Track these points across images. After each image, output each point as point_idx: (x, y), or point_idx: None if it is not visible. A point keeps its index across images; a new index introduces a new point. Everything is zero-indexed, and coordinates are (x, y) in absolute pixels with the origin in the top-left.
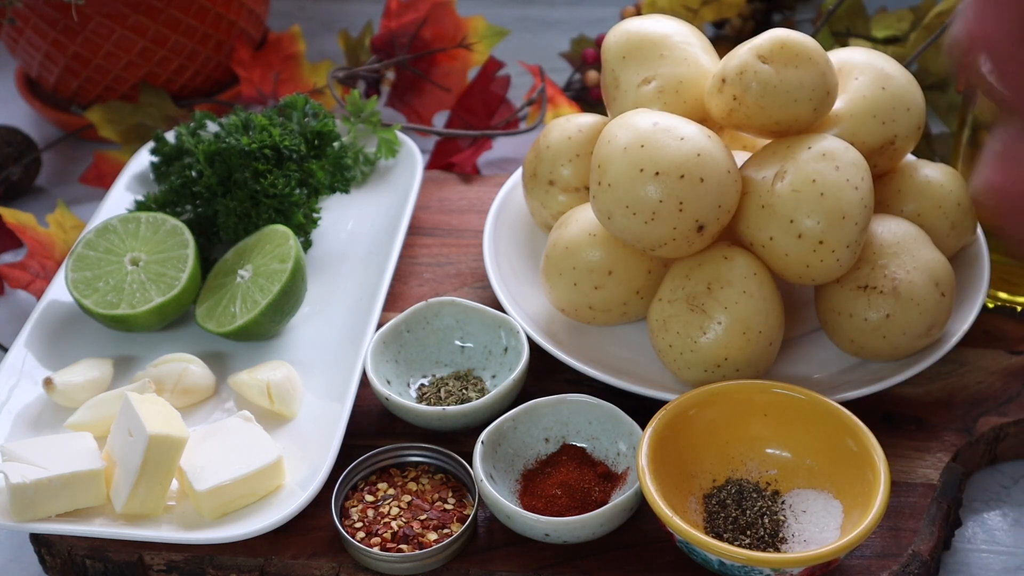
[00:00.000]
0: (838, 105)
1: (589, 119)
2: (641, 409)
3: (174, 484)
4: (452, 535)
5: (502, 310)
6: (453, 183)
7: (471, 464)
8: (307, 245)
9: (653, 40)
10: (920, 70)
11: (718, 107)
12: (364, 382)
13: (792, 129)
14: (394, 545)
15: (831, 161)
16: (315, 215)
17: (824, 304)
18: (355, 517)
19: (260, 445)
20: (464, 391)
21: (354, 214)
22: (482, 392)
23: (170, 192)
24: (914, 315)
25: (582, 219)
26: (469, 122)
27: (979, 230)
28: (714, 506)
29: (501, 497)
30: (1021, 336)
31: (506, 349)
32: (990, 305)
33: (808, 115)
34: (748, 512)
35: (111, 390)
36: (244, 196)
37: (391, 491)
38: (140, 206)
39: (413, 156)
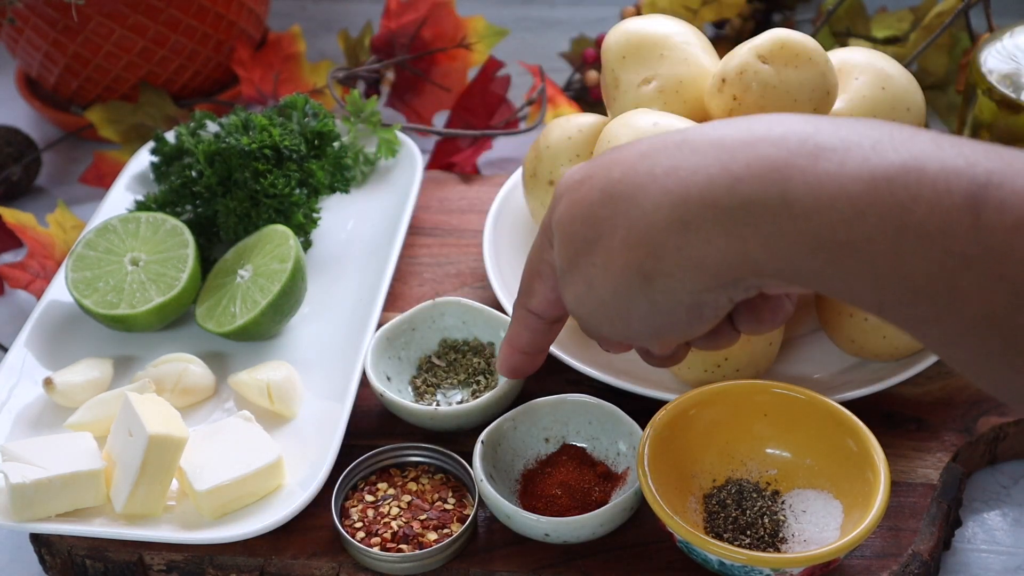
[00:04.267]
0: (838, 105)
1: (589, 119)
2: (641, 409)
3: (174, 484)
4: (452, 535)
5: (502, 310)
6: (453, 183)
7: (471, 464)
8: (307, 245)
9: (653, 40)
10: (920, 70)
11: (718, 107)
12: (364, 382)
13: None
14: (394, 545)
15: None
16: (315, 215)
17: (824, 304)
18: (355, 517)
19: (260, 445)
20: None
21: (354, 214)
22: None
23: (170, 192)
24: None
25: None
26: (469, 122)
27: None
28: (714, 506)
29: (501, 497)
30: None
31: None
32: None
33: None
34: (748, 512)
35: (111, 390)
36: (244, 196)
37: (391, 491)
38: (140, 206)
39: (413, 156)
